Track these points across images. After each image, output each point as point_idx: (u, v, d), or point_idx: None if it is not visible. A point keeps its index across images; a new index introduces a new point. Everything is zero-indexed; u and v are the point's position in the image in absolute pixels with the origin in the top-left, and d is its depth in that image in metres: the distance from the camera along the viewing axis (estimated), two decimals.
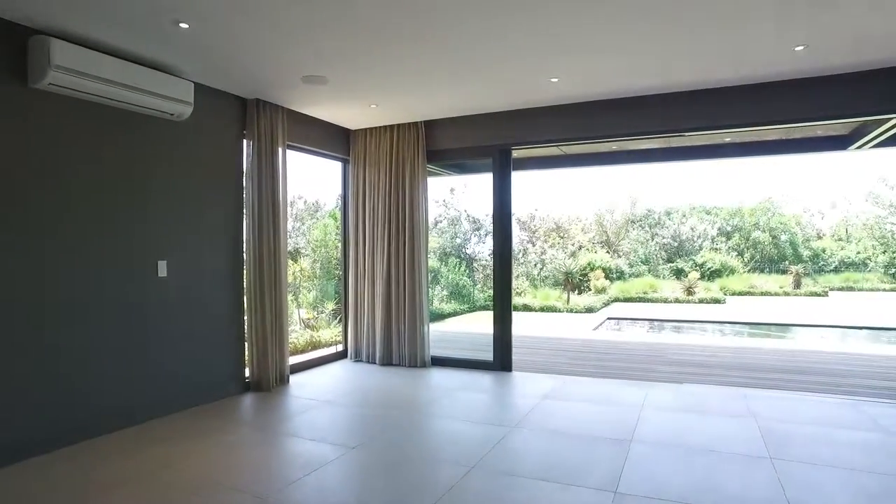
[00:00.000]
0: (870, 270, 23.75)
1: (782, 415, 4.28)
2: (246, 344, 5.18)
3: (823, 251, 25.14)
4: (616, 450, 3.57)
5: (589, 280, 20.61)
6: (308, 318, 10.93)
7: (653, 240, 25.88)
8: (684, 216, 27.30)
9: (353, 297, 6.59)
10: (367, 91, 5.04)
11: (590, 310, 16.63)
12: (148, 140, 4.26)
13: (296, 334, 8.52)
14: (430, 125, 6.18)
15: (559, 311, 16.79)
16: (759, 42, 3.97)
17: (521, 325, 13.69)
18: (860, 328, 11.45)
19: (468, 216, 22.34)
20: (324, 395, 5.00)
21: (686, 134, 5.41)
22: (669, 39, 3.87)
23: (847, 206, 27.32)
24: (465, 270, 19.29)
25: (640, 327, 11.80)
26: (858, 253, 24.72)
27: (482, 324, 11.40)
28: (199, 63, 4.17)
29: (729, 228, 26.32)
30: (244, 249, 5.13)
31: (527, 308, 17.12)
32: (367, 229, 6.44)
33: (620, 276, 22.45)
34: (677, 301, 18.73)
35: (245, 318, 5.15)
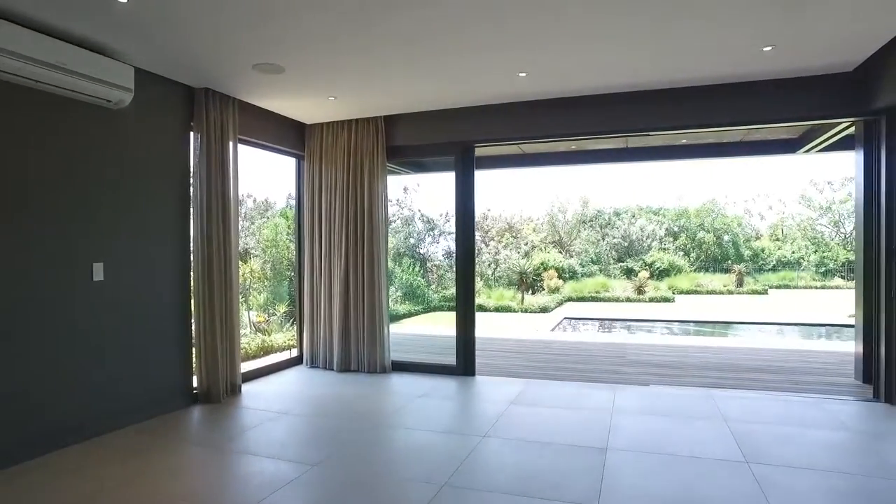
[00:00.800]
0: (803, 269, 24.97)
1: (751, 416, 4.27)
2: (193, 352, 4.79)
3: (762, 251, 26.27)
4: (593, 459, 3.44)
5: (542, 280, 20.78)
6: (259, 322, 10.46)
7: (603, 240, 26.39)
8: (633, 217, 27.97)
9: (308, 299, 6.27)
10: (326, 82, 4.75)
11: (544, 309, 16.73)
12: (82, 129, 3.84)
13: (246, 339, 8.09)
14: (390, 121, 5.93)
15: (514, 310, 16.82)
16: (728, 42, 3.94)
17: (479, 325, 13.49)
18: (805, 325, 11.92)
19: (422, 216, 22.15)
20: (280, 406, 4.68)
21: (653, 133, 5.38)
22: (641, 36, 3.78)
23: (783, 208, 28.72)
24: (418, 271, 19.09)
25: (597, 327, 11.90)
26: (793, 252, 25.96)
27: (442, 326, 11.22)
28: (141, 45, 3.79)
29: (676, 229, 27.13)
30: (191, 250, 4.75)
31: (481, 308, 17.06)
32: (324, 228, 6.13)
33: (573, 275, 22.76)
34: (629, 300, 19.12)
35: (192, 324, 4.77)
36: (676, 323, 12.29)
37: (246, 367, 5.82)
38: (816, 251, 25.54)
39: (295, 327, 6.88)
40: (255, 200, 24.93)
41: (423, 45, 3.88)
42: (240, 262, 13.14)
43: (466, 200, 5.84)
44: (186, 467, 3.41)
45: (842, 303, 17.00)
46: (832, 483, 3.06)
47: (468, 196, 5.83)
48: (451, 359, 5.91)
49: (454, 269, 5.94)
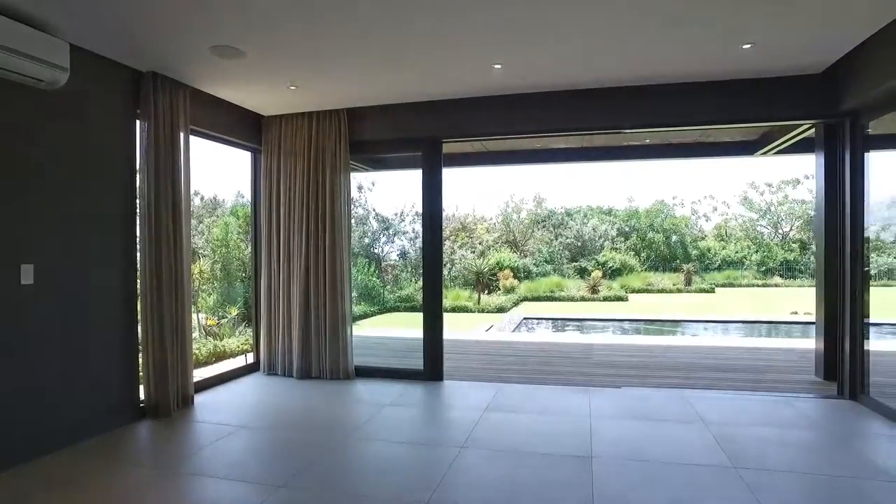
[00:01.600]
0: (746, 268, 25.98)
1: (727, 417, 4.22)
2: (140, 361, 4.37)
3: (709, 251, 27.19)
4: (579, 469, 3.28)
5: (498, 280, 20.78)
6: (209, 325, 9.91)
7: (556, 239, 26.68)
8: (585, 217, 28.43)
9: (265, 302, 5.89)
10: (287, 69, 4.43)
11: (501, 309, 16.69)
12: (8, 112, 3.39)
13: (196, 344, 7.61)
14: (353, 114, 5.63)
15: (471, 311, 16.72)
16: (707, 38, 3.87)
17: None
18: (758, 322, 12.29)
19: (377, 215, 21.79)
20: (237, 419, 4.32)
21: (625, 131, 5.30)
22: (619, 29, 3.66)
23: (726, 209, 29.83)
24: (374, 271, 18.74)
25: (558, 327, 11.90)
26: (737, 252, 26.97)
27: (402, 327, 10.95)
28: (78, 18, 3.37)
29: (627, 229, 27.73)
30: (137, 249, 4.33)
31: None
32: (282, 227, 5.77)
33: (528, 275, 22.88)
34: (583, 299, 19.34)
35: (139, 330, 4.34)
36: (635, 323, 12.44)
37: (198, 374, 5.40)
38: (758, 251, 26.61)
39: (249, 331, 6.48)
40: (202, 198, 23.98)
41: (391, 31, 3.64)
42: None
43: (433, 198, 5.61)
44: (130, 495, 3.03)
45: (783, 300, 17.76)
46: (823, 487, 3.01)
47: (435, 193, 5.60)
48: (416, 362, 5.66)
49: (421, 269, 5.70)
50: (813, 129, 6.03)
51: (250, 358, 6.19)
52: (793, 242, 26.76)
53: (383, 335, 9.03)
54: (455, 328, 12.89)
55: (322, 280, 5.63)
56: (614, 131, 5.25)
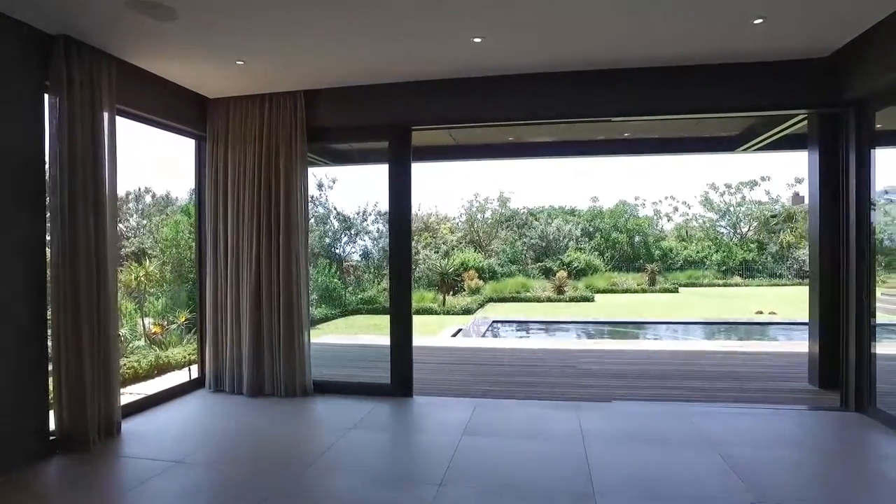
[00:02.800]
0: (707, 268, 26.29)
1: (735, 437, 3.79)
2: (52, 383, 3.64)
3: (671, 251, 27.40)
4: None
5: (463, 280, 20.31)
6: (155, 333, 9.06)
7: (520, 239, 26.42)
8: (549, 217, 28.28)
9: (211, 309, 5.19)
10: (232, 40, 3.78)
11: (467, 311, 16.21)
12: None
13: (136, 356, 6.82)
14: (312, 97, 4.99)
15: (436, 312, 16.19)
16: (719, 10, 3.43)
17: None
18: (729, 323, 12.14)
19: (338, 214, 21.02)
20: (172, 451, 3.63)
21: (614, 119, 4.84)
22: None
23: (687, 209, 30.18)
24: (335, 272, 18.00)
25: (530, 331, 11.46)
26: (698, 252, 27.29)
27: (369, 334, 10.30)
28: None
29: (591, 229, 27.70)
30: (48, 251, 3.60)
31: None
32: (230, 224, 5.09)
33: (493, 275, 22.50)
34: (550, 300, 19.05)
35: (50, 344, 3.61)
36: (609, 325, 12.12)
37: (131, 394, 4.69)
38: (718, 251, 26.97)
39: (196, 340, 5.76)
40: (153, 196, 22.70)
41: None
42: (134, 265, 11.55)
43: (402, 193, 5.03)
44: None
45: (747, 300, 17.88)
46: None
47: (404, 188, 5.02)
48: (382, 375, 5.07)
49: (385, 270, 5.09)
50: (800, 125, 5.75)
51: (195, 372, 5.47)
52: (751, 243, 27.24)
53: (346, 342, 8.39)
54: (421, 332, 12.31)
55: (275, 284, 4.98)
56: (602, 119, 4.78)
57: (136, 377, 6.24)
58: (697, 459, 3.42)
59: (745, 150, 7.24)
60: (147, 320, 10.56)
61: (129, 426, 4.10)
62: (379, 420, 4.35)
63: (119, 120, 4.07)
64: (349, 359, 7.10)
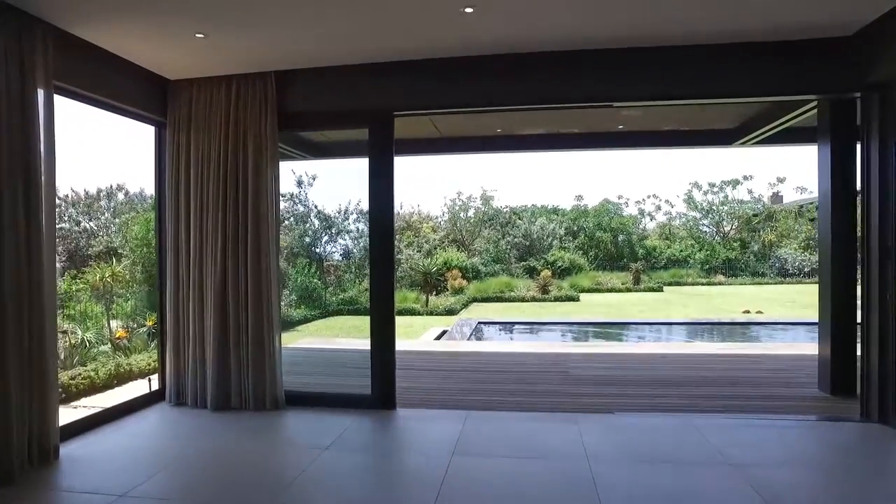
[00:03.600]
0: (690, 267, 26.22)
1: (754, 454, 3.41)
2: None
3: (654, 249, 27.28)
4: None
5: (446, 280, 19.88)
6: (119, 337, 8.48)
7: (504, 238, 26.09)
8: (533, 216, 27.99)
9: (172, 313, 4.68)
10: (190, 5, 3.30)
11: (450, 312, 15.81)
12: None
13: (96, 364, 6.28)
14: (284, 79, 4.51)
15: (419, 313, 15.78)
16: None
17: None
18: (720, 324, 11.89)
19: (318, 212, 20.46)
20: (117, 482, 3.13)
21: (617, 104, 4.43)
22: None
23: (670, 208, 30.14)
24: (315, 272, 17.46)
25: (518, 333, 11.06)
26: (681, 251, 27.22)
27: (349, 338, 9.81)
28: None
29: (575, 228, 27.47)
30: None
31: None
32: (193, 220, 4.58)
33: (476, 275, 22.12)
34: (534, 299, 18.73)
35: None
36: (598, 326, 11.78)
37: (86, 407, 4.18)
38: (701, 250, 26.93)
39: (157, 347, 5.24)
40: (126, 193, 21.86)
41: None
42: (101, 265, 10.89)
43: (383, 186, 4.57)
44: None
45: (732, 298, 17.72)
46: None
47: (385, 180, 4.56)
48: (362, 383, 4.61)
49: (367, 270, 4.63)
50: (804, 116, 5.47)
51: (155, 383, 4.95)
52: (733, 241, 27.25)
53: (324, 347, 7.89)
54: (404, 334, 11.82)
55: (243, 286, 4.50)
56: (603, 104, 4.37)
57: (93, 388, 5.70)
58: (715, 481, 3.03)
59: (742, 143, 6.93)
60: (115, 323, 9.96)
61: (70, 450, 3.58)
62: (358, 438, 3.89)
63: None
64: (327, 365, 6.61)
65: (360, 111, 4.54)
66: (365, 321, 4.64)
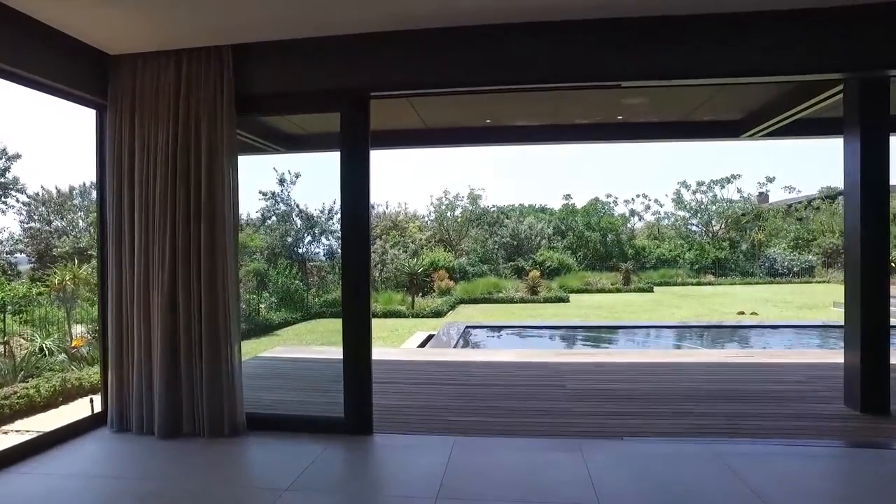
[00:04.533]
0: (679, 267, 25.91)
1: (794, 495, 2.88)
2: None
3: (643, 249, 26.93)
4: None
5: (433, 281, 19.30)
6: (75, 346, 7.80)
7: (491, 238, 25.60)
8: (521, 215, 27.53)
9: (115, 322, 4.05)
10: None
11: (437, 314, 15.27)
12: None
13: (40, 378, 5.62)
14: (242, 54, 3.90)
15: (404, 315, 15.24)
16: None
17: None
18: (719, 327, 11.43)
19: (301, 212, 19.80)
20: None
21: (626, 84, 3.87)
22: None
23: (659, 208, 29.84)
24: (297, 273, 16.81)
25: (508, 339, 10.49)
26: (671, 251, 26.91)
27: (329, 347, 9.18)
28: None
29: (563, 228, 27.04)
30: None
31: None
32: (138, 217, 3.96)
33: (464, 275, 21.59)
34: (523, 301, 18.24)
35: None
36: (591, 331, 11.26)
37: (19, 431, 3.54)
38: (690, 249, 26.64)
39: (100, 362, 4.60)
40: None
41: None
42: (63, 267, 10.17)
43: (358, 180, 3.98)
44: None
45: (726, 299, 17.31)
46: None
47: (360, 173, 3.97)
48: (337, 401, 4.02)
49: (339, 275, 4.03)
50: (821, 105, 5.02)
51: (97, 405, 4.31)
52: (722, 241, 26.99)
53: (299, 356, 7.25)
54: (387, 339, 11.26)
55: (195, 293, 3.88)
56: (609, 83, 3.82)
57: (31, 408, 5.05)
58: None
59: (750, 136, 6.45)
60: (78, 329, 9.27)
61: None
62: (325, 474, 3.30)
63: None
64: (300, 378, 5.97)
65: (331, 92, 3.94)
66: (368, 343, 4.06)
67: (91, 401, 4.46)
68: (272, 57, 3.92)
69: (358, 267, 3.99)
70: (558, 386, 5.27)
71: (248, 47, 3.88)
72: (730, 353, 6.46)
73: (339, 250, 23.33)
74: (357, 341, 4.00)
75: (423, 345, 9.14)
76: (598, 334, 10.68)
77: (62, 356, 7.39)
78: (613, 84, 3.77)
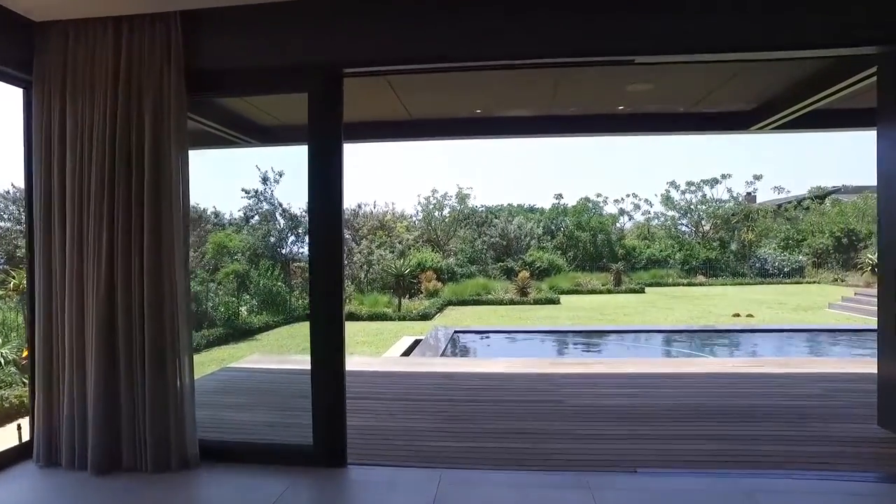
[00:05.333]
0: (670, 267, 25.59)
1: None
2: None
3: (633, 249, 26.58)
4: None
5: (420, 282, 18.74)
6: (24, 358, 7.11)
7: (480, 238, 25.12)
8: (510, 214, 27.07)
9: (43, 332, 3.46)
10: None
11: (424, 316, 14.73)
12: None
13: None
14: (193, 21, 3.33)
15: (390, 318, 14.70)
16: None
17: (349, 343, 11.08)
18: (719, 331, 10.99)
19: (284, 211, 19.16)
20: None
21: (640, 59, 3.35)
22: None
23: (649, 207, 29.52)
24: (279, 275, 16.18)
25: (499, 345, 9.94)
26: (661, 251, 26.59)
27: (302, 355, 8.58)
28: None
29: (553, 228, 26.63)
30: None
31: (353, 317, 14.69)
32: (70, 212, 3.37)
33: (452, 276, 21.06)
34: (513, 302, 17.77)
35: None
36: (585, 335, 10.77)
37: None
38: (680, 250, 26.35)
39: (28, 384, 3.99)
40: None
41: None
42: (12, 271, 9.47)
43: (328, 172, 3.42)
44: None
45: (716, 301, 16.88)
46: None
47: (331, 163, 3.41)
48: (302, 422, 3.45)
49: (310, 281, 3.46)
50: (837, 96, 4.60)
51: (25, 432, 3.71)
52: (713, 241, 26.72)
53: (270, 368, 6.61)
54: (371, 343, 10.68)
55: (138, 299, 3.30)
56: (621, 59, 3.30)
57: None
58: None
59: (760, 128, 5.99)
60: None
61: None
62: None
63: None
64: (270, 393, 5.35)
65: (298, 68, 3.38)
66: (341, 359, 3.48)
67: (18, 427, 3.86)
68: (228, 25, 3.35)
69: (330, 272, 3.43)
70: (556, 402, 4.74)
71: (199, 14, 3.31)
72: (738, 363, 5.98)
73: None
74: (328, 359, 3.43)
75: (409, 351, 8.59)
76: (594, 340, 10.19)
77: (13, 368, 6.74)
78: (626, 59, 3.24)
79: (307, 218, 3.50)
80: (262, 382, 5.38)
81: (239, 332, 12.47)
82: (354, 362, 6.46)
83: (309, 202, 3.38)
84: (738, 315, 14.04)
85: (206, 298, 13.22)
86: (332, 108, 3.37)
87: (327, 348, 3.43)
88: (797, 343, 9.69)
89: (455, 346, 9.29)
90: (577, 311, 15.47)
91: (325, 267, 3.41)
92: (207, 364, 9.74)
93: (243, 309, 13.89)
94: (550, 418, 4.31)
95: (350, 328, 13.77)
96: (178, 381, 3.36)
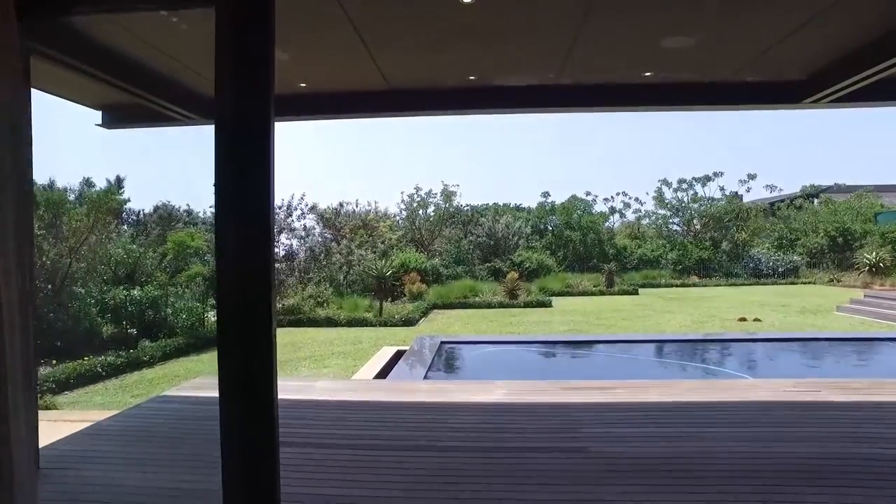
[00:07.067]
0: (662, 267, 24.73)
1: None
2: None
3: (625, 249, 25.71)
4: None
5: (403, 284, 17.53)
6: None
7: (466, 238, 24.05)
8: (497, 213, 26.07)
9: None
10: None
11: (408, 322, 13.57)
12: None
13: None
14: None
15: (371, 324, 13.53)
16: None
17: (321, 357, 9.51)
18: (727, 340, 9.95)
19: None
20: None
21: None
22: None
23: (639, 206, 28.68)
24: None
25: (493, 361, 8.75)
26: (653, 251, 25.75)
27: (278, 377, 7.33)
28: None
29: (542, 227, 25.66)
30: None
31: (331, 322, 13.49)
32: None
33: (437, 278, 19.91)
34: (502, 305, 16.70)
35: None
36: (589, 345, 9.65)
37: None
38: (673, 249, 25.55)
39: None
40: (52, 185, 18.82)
41: None
42: None
43: (247, 116, 2.22)
44: None
45: (715, 303, 15.89)
46: None
47: (256, 114, 2.21)
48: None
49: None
50: None
51: None
52: (705, 241, 25.93)
53: (208, 397, 5.36)
54: (347, 355, 9.43)
55: None
56: None
57: None
58: None
59: (815, 101, 4.91)
60: None
61: None
62: None
63: None
64: (198, 435, 3.99)
65: None
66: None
67: None
68: None
69: (253, 279, 2.23)
70: (577, 449, 3.59)
71: None
72: (789, 386, 4.88)
73: (301, 251, 21.56)
74: (250, 405, 2.23)
75: (389, 366, 7.40)
76: (599, 352, 9.08)
77: None
78: None
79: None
80: (190, 420, 4.10)
81: (202, 342, 11.17)
82: (317, 389, 5.25)
83: (216, 177, 2.17)
84: (744, 319, 13.08)
85: (166, 304, 11.93)
86: (253, 27, 2.17)
87: (249, 389, 2.22)
88: (833, 355, 8.62)
89: (442, 361, 8.11)
90: (570, 315, 14.40)
91: (246, 267, 2.20)
92: (157, 382, 8.44)
93: (210, 315, 12.58)
94: (574, 476, 3.16)
95: (326, 336, 12.55)
96: (10, 456, 2.13)
